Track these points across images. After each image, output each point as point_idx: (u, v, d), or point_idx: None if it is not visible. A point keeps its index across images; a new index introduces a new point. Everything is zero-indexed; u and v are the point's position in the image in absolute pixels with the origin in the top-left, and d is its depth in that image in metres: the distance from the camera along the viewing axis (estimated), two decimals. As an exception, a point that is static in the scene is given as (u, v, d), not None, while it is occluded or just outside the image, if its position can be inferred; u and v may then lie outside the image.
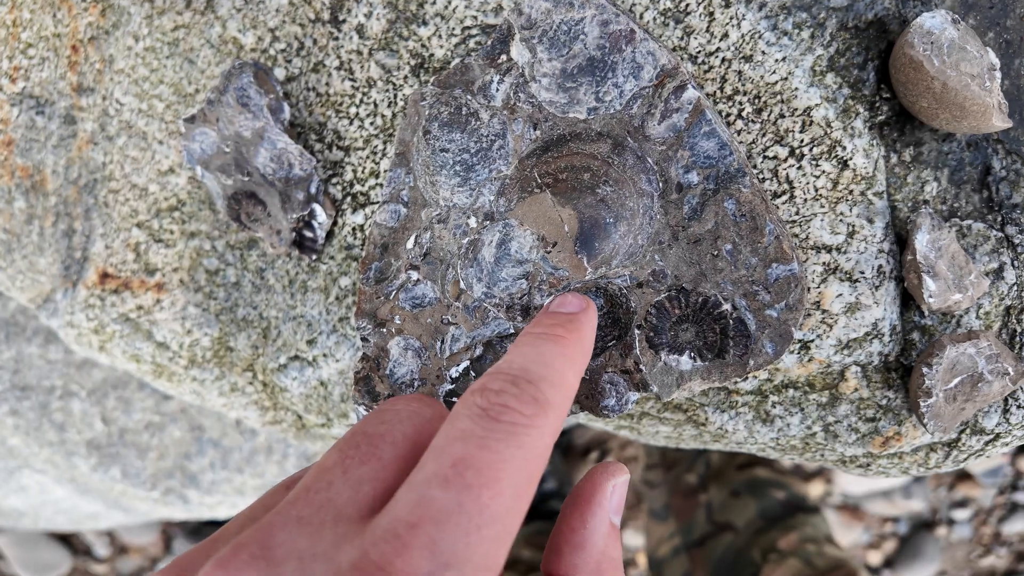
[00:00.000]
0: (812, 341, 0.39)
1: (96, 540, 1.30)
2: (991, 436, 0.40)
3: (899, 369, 0.39)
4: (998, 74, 0.34)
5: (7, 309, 0.75)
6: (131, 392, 0.76)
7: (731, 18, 0.37)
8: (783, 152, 0.37)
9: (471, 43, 0.39)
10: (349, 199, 0.42)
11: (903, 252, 0.38)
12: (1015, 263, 0.38)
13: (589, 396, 0.36)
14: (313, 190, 0.41)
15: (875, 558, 1.18)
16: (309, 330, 0.44)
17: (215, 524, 1.23)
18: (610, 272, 0.35)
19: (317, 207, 0.41)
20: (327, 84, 0.42)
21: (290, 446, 0.79)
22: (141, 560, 1.30)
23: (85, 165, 0.47)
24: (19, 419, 0.77)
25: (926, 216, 0.36)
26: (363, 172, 0.42)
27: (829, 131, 0.37)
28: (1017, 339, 0.39)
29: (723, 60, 0.37)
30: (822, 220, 0.38)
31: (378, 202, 0.41)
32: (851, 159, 0.37)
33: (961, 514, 1.16)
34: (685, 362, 0.35)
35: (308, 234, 0.42)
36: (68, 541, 1.31)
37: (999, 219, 0.38)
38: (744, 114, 0.37)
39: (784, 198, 0.38)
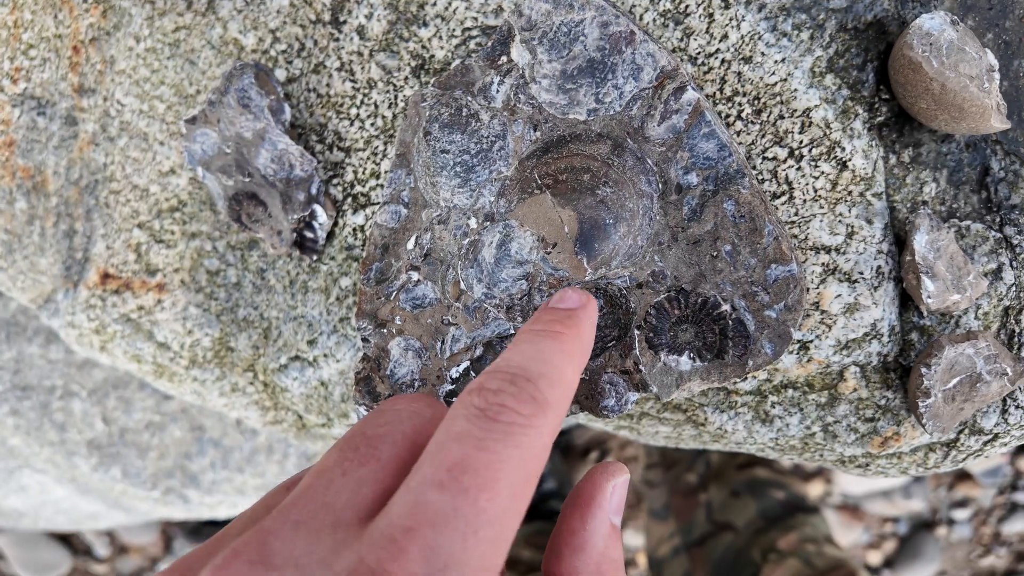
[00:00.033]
0: (811, 341, 0.39)
1: (96, 540, 1.30)
2: (990, 436, 0.40)
3: (898, 369, 0.40)
4: (997, 75, 0.34)
5: (8, 309, 0.75)
6: (132, 392, 0.76)
7: (731, 19, 0.37)
8: (782, 153, 0.38)
9: (471, 44, 0.39)
10: (350, 200, 0.42)
11: (902, 253, 0.38)
12: (1013, 264, 0.38)
13: (589, 396, 0.36)
14: (314, 191, 0.41)
15: (875, 558, 1.18)
16: (310, 330, 0.44)
17: (215, 524, 1.23)
18: (610, 273, 0.35)
19: (318, 208, 0.41)
20: (328, 85, 0.42)
21: (291, 446, 0.79)
22: (141, 560, 1.30)
23: (86, 166, 0.47)
24: (20, 419, 0.77)
25: (925, 217, 0.36)
26: (364, 173, 0.42)
27: (828, 132, 0.37)
28: (1015, 339, 0.39)
29: (723, 61, 0.37)
30: (821, 221, 0.38)
31: (379, 203, 0.41)
32: (850, 160, 0.37)
33: (961, 514, 1.16)
34: (684, 362, 0.35)
35: (309, 235, 0.42)
36: (68, 541, 1.31)
37: (998, 220, 0.39)
38: (743, 115, 0.38)
39: (783, 199, 0.38)
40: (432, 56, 0.40)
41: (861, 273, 0.38)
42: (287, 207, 0.41)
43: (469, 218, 0.36)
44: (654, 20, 0.38)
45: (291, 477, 0.26)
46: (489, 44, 0.35)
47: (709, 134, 0.34)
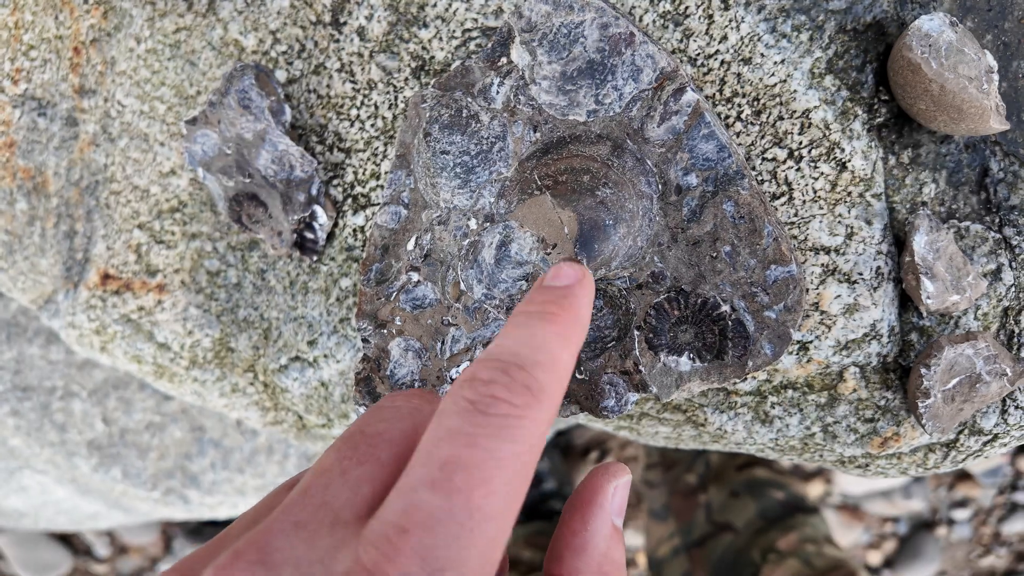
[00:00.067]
0: (811, 342, 0.39)
1: (96, 540, 1.30)
2: (989, 437, 0.40)
3: (897, 370, 0.40)
4: (996, 76, 0.35)
5: (8, 310, 0.75)
6: (132, 392, 0.76)
7: (730, 21, 0.37)
8: (782, 154, 0.38)
9: (471, 46, 0.39)
10: (350, 201, 0.42)
11: (901, 253, 0.38)
12: (1013, 264, 0.39)
13: (589, 397, 0.36)
14: (314, 192, 0.41)
15: (875, 558, 1.18)
16: (310, 331, 0.44)
17: (215, 524, 1.23)
18: (610, 274, 0.35)
19: (318, 208, 0.41)
20: (328, 86, 0.42)
21: (291, 446, 0.79)
22: (141, 560, 1.30)
23: (87, 167, 0.47)
24: (20, 420, 0.77)
25: (924, 218, 0.37)
26: (364, 174, 0.42)
27: (828, 133, 0.37)
28: (1015, 340, 0.39)
29: (722, 62, 0.37)
30: (821, 222, 0.38)
31: (379, 204, 0.41)
32: (849, 161, 0.37)
33: (961, 514, 1.16)
34: (684, 363, 0.35)
35: (309, 235, 0.42)
36: (68, 541, 1.31)
37: (997, 220, 0.39)
38: (743, 116, 0.38)
39: (783, 200, 0.38)
40: (432, 57, 0.40)
41: (860, 274, 0.38)
42: (287, 208, 0.41)
43: (469, 219, 0.36)
44: (654, 21, 0.38)
45: (292, 477, 0.26)
46: (489, 45, 0.35)
47: (708, 135, 0.34)
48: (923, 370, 0.37)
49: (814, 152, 0.37)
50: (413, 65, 0.40)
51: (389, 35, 0.40)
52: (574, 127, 0.35)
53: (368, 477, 0.22)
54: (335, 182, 0.42)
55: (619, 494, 0.26)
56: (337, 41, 0.41)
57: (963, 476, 1.16)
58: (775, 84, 0.37)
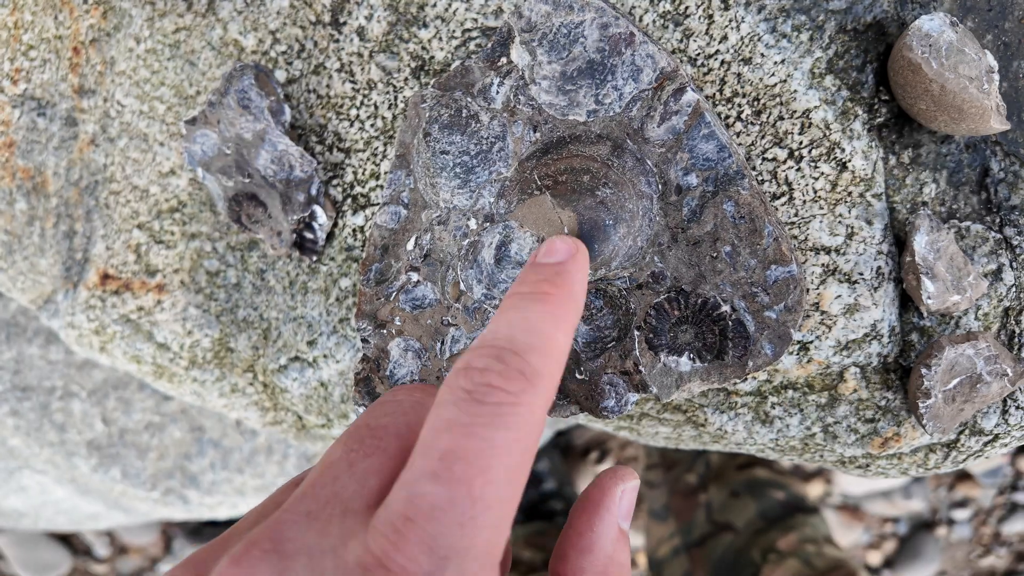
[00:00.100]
0: (811, 342, 0.39)
1: (96, 540, 1.30)
2: (990, 437, 0.40)
3: (898, 370, 0.40)
4: (996, 76, 0.34)
5: (8, 310, 0.75)
6: (131, 393, 0.76)
7: (730, 20, 0.37)
8: (782, 154, 0.38)
9: (471, 46, 0.39)
10: (349, 201, 0.42)
11: (902, 254, 0.38)
12: (1013, 264, 0.39)
13: (589, 397, 0.36)
14: (314, 192, 0.41)
15: (875, 558, 1.18)
16: (309, 331, 0.44)
17: (215, 524, 1.23)
18: (610, 274, 0.35)
19: (318, 209, 0.41)
20: (328, 86, 0.42)
21: (290, 447, 0.79)
22: (141, 560, 1.30)
23: (86, 167, 0.47)
24: (20, 420, 0.77)
25: (925, 218, 0.36)
26: (363, 174, 0.42)
27: (828, 133, 0.37)
28: (1016, 340, 0.39)
29: (722, 62, 0.37)
30: (821, 222, 0.38)
31: (378, 204, 0.41)
32: (850, 161, 0.37)
33: (961, 514, 1.16)
34: (684, 363, 0.35)
35: (308, 235, 0.42)
36: (68, 541, 1.31)
37: (997, 221, 0.39)
38: (743, 116, 0.38)
39: (783, 200, 0.38)
40: (432, 57, 0.40)
41: (861, 274, 0.38)
42: (287, 208, 0.41)
43: (469, 219, 0.36)
44: (654, 21, 0.38)
45: (296, 476, 0.26)
46: (489, 45, 0.35)
47: (709, 135, 0.34)
48: (924, 370, 0.37)
49: (814, 152, 0.37)
50: (413, 65, 0.40)
51: (389, 35, 0.40)
52: (574, 127, 0.34)
53: (375, 469, 0.22)
54: (335, 182, 0.42)
55: (627, 498, 0.26)
56: (337, 41, 0.41)
57: (963, 476, 1.16)
58: (775, 84, 0.37)
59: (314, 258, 0.43)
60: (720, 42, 0.37)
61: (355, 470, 0.22)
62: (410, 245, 0.37)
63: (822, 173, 0.37)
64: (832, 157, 0.37)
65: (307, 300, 0.44)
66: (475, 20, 0.39)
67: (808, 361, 0.39)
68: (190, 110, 0.44)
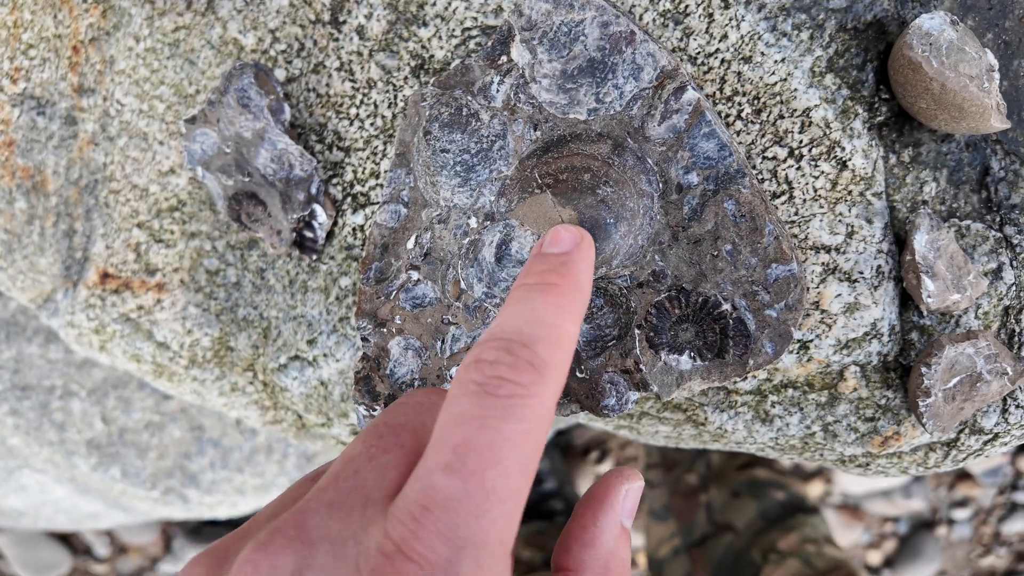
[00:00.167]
0: (811, 341, 0.39)
1: (96, 540, 1.30)
2: (990, 436, 0.40)
3: (898, 369, 0.40)
4: (996, 75, 0.34)
5: (8, 309, 0.75)
6: (131, 392, 0.76)
7: (730, 19, 0.37)
8: (782, 153, 0.38)
9: (471, 44, 0.39)
10: (349, 199, 0.42)
11: (902, 252, 0.38)
12: (1014, 263, 0.38)
13: (589, 396, 0.36)
14: (313, 190, 0.41)
15: (875, 558, 1.18)
16: (309, 330, 0.44)
17: (215, 524, 1.23)
18: (610, 272, 0.35)
19: (317, 207, 0.41)
20: (327, 85, 0.42)
21: (290, 446, 0.79)
22: (141, 560, 1.30)
23: (86, 166, 0.47)
24: (19, 419, 0.77)
25: (925, 216, 0.36)
26: (363, 173, 0.42)
27: (828, 132, 0.37)
28: (1016, 339, 0.39)
29: (722, 61, 0.37)
30: (821, 220, 0.38)
31: (378, 202, 0.41)
32: (850, 160, 0.37)
33: (961, 514, 1.16)
34: (685, 362, 0.35)
35: (308, 234, 0.42)
36: (68, 541, 1.31)
37: (998, 219, 0.39)
38: (743, 115, 0.38)
39: (783, 198, 0.38)
40: (432, 56, 0.40)
41: (861, 273, 0.38)
42: (287, 207, 0.41)
43: (469, 217, 0.36)
44: (654, 20, 0.38)
45: (314, 470, 0.27)
46: (489, 44, 0.35)
47: (709, 134, 0.34)
48: (924, 369, 0.37)
49: (815, 151, 0.37)
50: (412, 64, 0.40)
51: (388, 34, 0.40)
52: (575, 125, 0.34)
53: (394, 463, 0.23)
54: (334, 181, 0.42)
55: (631, 497, 0.26)
56: (336, 40, 0.41)
57: (963, 476, 1.16)
58: (775, 83, 0.37)
59: (314, 257, 0.43)
60: (720, 41, 0.37)
61: (375, 464, 0.23)
62: (410, 244, 0.37)
63: (822, 172, 0.37)
64: (832, 156, 0.37)
65: (307, 299, 0.44)
66: (475, 19, 0.39)
67: (808, 360, 0.39)
68: (190, 109, 0.44)
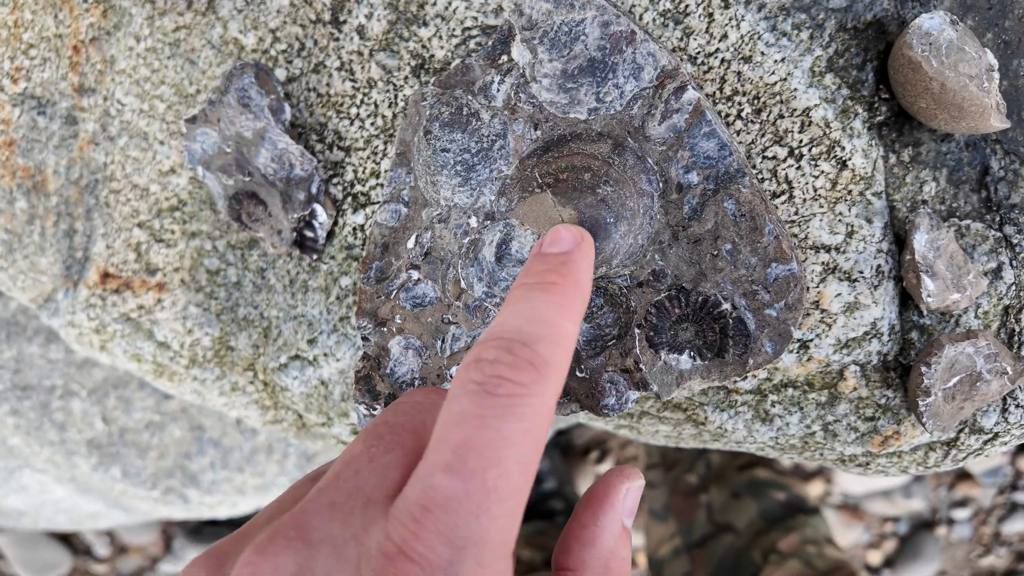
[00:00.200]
0: (811, 340, 0.39)
1: (96, 540, 1.30)
2: (990, 435, 0.40)
3: (898, 368, 0.40)
4: (996, 75, 0.34)
5: (8, 309, 0.75)
6: (131, 391, 0.76)
7: (730, 19, 0.37)
8: (782, 152, 0.38)
9: (472, 44, 0.39)
10: (350, 199, 0.42)
11: (902, 252, 0.38)
12: (1013, 263, 0.39)
13: (589, 395, 0.36)
14: (314, 190, 0.41)
15: (875, 558, 1.18)
16: (310, 329, 0.44)
17: (215, 524, 1.23)
18: (610, 272, 0.35)
19: (318, 207, 0.41)
20: (328, 85, 0.42)
21: (290, 445, 0.79)
22: (141, 560, 1.30)
23: (86, 165, 0.47)
24: (20, 419, 0.77)
25: (925, 216, 0.36)
26: (364, 172, 0.42)
27: (828, 131, 0.37)
28: (1015, 338, 0.39)
29: (722, 61, 0.37)
30: (821, 220, 0.38)
31: (379, 202, 0.41)
32: (850, 159, 0.37)
33: (961, 514, 1.16)
34: (685, 361, 0.35)
35: (309, 234, 0.42)
36: (68, 541, 1.31)
37: (997, 219, 0.39)
38: (743, 114, 0.38)
39: (783, 198, 0.38)
40: (432, 56, 0.40)
41: (861, 272, 0.38)
42: (287, 206, 0.41)
43: (470, 217, 0.36)
44: (654, 20, 0.38)
45: (314, 470, 0.27)
46: (489, 43, 0.35)
47: (709, 133, 0.34)
48: (924, 368, 0.37)
49: (814, 150, 0.37)
50: (413, 63, 0.40)
51: (389, 33, 0.40)
52: (575, 125, 0.34)
53: (395, 464, 0.23)
54: (335, 180, 0.42)
55: (631, 496, 0.26)
56: (337, 39, 0.41)
57: (963, 476, 1.16)
58: (775, 82, 0.37)
59: (314, 256, 0.43)
60: (720, 40, 0.37)
61: (375, 464, 0.23)
62: (410, 243, 0.37)
63: (822, 171, 0.37)
64: (832, 155, 0.37)
65: (307, 298, 0.44)
66: (475, 18, 0.39)
67: (808, 359, 0.39)
68: (190, 108, 0.44)
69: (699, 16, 0.37)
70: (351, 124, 0.42)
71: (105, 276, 0.47)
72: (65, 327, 0.49)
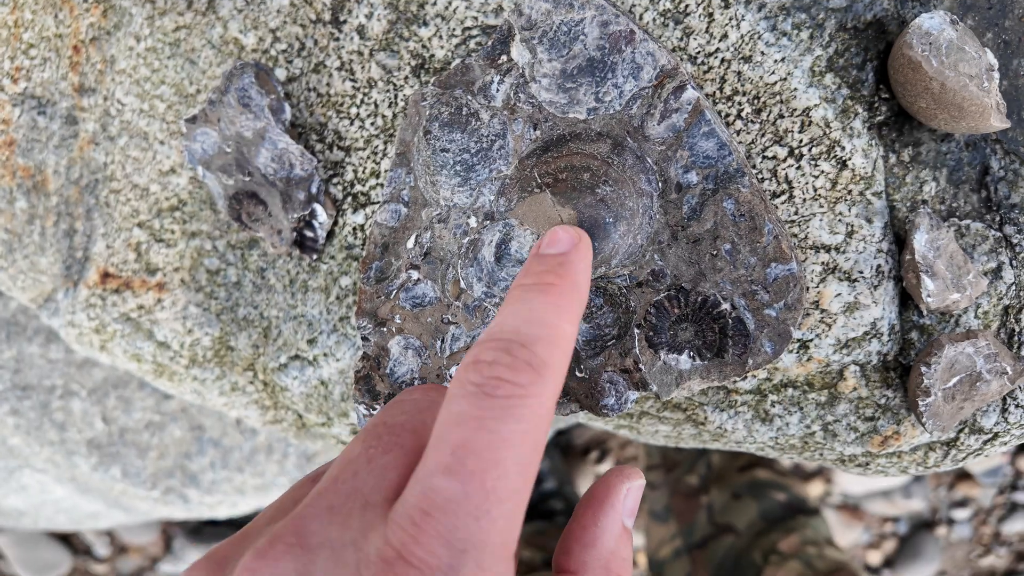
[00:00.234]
0: (811, 340, 0.39)
1: (96, 540, 1.30)
2: (989, 435, 0.40)
3: (898, 368, 0.40)
4: (996, 74, 0.34)
5: (8, 309, 0.75)
6: (131, 391, 0.76)
7: (730, 19, 0.37)
8: (782, 152, 0.38)
9: (471, 44, 0.39)
10: (350, 199, 0.42)
11: (902, 252, 0.38)
12: (1013, 263, 0.39)
13: (588, 395, 0.36)
14: (314, 190, 0.41)
15: (875, 558, 1.18)
16: (310, 329, 0.44)
17: (215, 524, 1.23)
18: (610, 272, 0.35)
19: (318, 207, 0.41)
20: (328, 84, 0.42)
21: (290, 445, 0.79)
22: (141, 560, 1.30)
23: (86, 165, 0.47)
24: (20, 418, 0.77)
25: (925, 216, 0.36)
26: (364, 172, 0.42)
27: (828, 131, 0.37)
28: (1015, 338, 0.39)
29: (722, 60, 0.37)
30: (821, 220, 0.38)
31: (379, 202, 0.41)
32: (850, 159, 0.37)
33: (961, 514, 1.16)
34: (684, 361, 0.35)
35: (309, 234, 0.42)
36: (68, 541, 1.31)
37: (997, 219, 0.39)
38: (743, 114, 0.38)
39: (783, 198, 0.38)
40: (432, 55, 0.40)
41: (861, 272, 0.38)
42: (287, 206, 0.41)
43: (469, 217, 0.36)
44: (654, 19, 0.38)
45: (314, 471, 0.27)
46: (489, 43, 0.35)
47: (709, 133, 0.34)
48: (923, 368, 0.37)
49: (814, 150, 0.37)
50: (413, 63, 0.40)
51: (389, 33, 0.40)
52: (574, 125, 0.34)
53: (393, 464, 0.23)
54: (335, 180, 0.42)
55: (632, 496, 0.26)
56: (337, 39, 0.41)
57: (963, 476, 1.16)
58: (775, 82, 0.37)
59: (314, 256, 0.43)
60: (720, 40, 0.37)
61: (374, 465, 0.22)
62: (410, 243, 0.37)
63: (822, 171, 0.37)
64: (832, 155, 0.37)
65: (307, 298, 0.44)
66: (475, 18, 0.39)
67: (808, 359, 0.39)
68: (190, 108, 0.44)
69: (699, 16, 0.37)
70: (351, 124, 0.42)
71: (105, 276, 0.47)
72: (65, 327, 0.49)
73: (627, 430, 0.46)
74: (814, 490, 1.15)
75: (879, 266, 0.38)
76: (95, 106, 0.46)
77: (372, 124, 0.41)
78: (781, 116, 0.37)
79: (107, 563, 1.31)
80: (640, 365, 0.35)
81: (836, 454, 0.42)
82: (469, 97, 0.35)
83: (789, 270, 0.34)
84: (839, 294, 0.38)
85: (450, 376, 0.36)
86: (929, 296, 0.36)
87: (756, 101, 0.37)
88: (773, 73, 0.37)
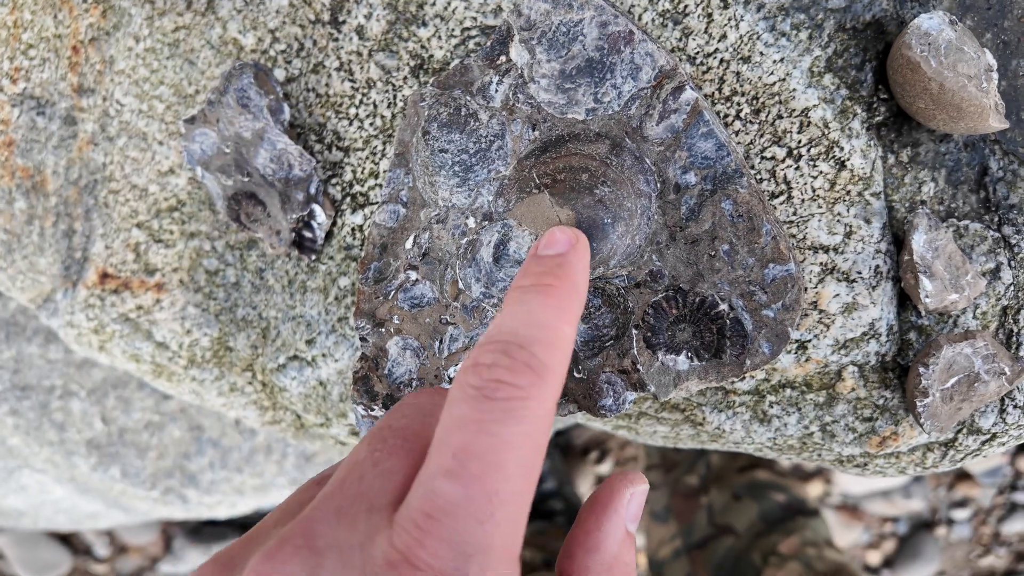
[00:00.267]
0: (809, 341, 0.39)
1: (96, 540, 1.30)
2: (988, 436, 0.40)
3: (896, 369, 0.40)
4: (995, 75, 0.34)
5: (7, 309, 0.75)
6: (131, 392, 0.76)
7: (729, 19, 0.37)
8: (781, 153, 0.38)
9: (470, 44, 0.39)
10: (348, 199, 0.42)
11: (900, 252, 0.38)
12: (1012, 263, 0.38)
13: (587, 396, 0.36)
14: (312, 190, 0.41)
15: (875, 558, 1.18)
16: (308, 330, 0.44)
17: (215, 524, 1.23)
18: (608, 272, 0.35)
19: (316, 207, 0.41)
20: (327, 85, 0.42)
21: (289, 446, 0.79)
22: (141, 560, 1.30)
23: (85, 166, 0.47)
24: (19, 419, 0.77)
25: (923, 216, 0.36)
26: (362, 173, 0.42)
27: (827, 132, 0.37)
28: (1014, 339, 0.39)
29: (721, 61, 0.37)
30: (819, 220, 0.38)
31: (377, 202, 0.41)
32: (849, 160, 0.37)
33: (960, 514, 1.16)
34: (682, 362, 0.35)
35: (307, 234, 0.42)
36: (68, 541, 1.31)
37: (996, 219, 0.39)
38: (742, 115, 0.38)
39: (782, 198, 0.38)
40: (431, 56, 0.40)
41: (859, 272, 0.38)
42: (286, 207, 0.41)
43: (467, 217, 0.36)
44: (653, 20, 0.38)
45: (320, 473, 0.27)
46: (488, 44, 0.35)
47: (707, 133, 0.34)
48: (922, 369, 0.37)
49: (813, 151, 0.37)
50: (412, 64, 0.40)
51: (388, 34, 0.40)
52: (573, 125, 0.34)
53: (398, 468, 0.23)
54: (334, 181, 0.42)
55: (635, 501, 0.26)
56: (336, 40, 0.41)
57: (963, 476, 1.16)
58: (774, 83, 0.37)
59: (313, 257, 0.43)
60: (719, 40, 0.37)
61: (379, 468, 0.23)
62: (409, 244, 0.37)
63: (821, 172, 0.37)
64: (831, 156, 0.37)
65: (306, 299, 0.44)
66: (474, 19, 0.39)
67: (806, 360, 0.39)
68: (189, 109, 0.44)
69: (698, 16, 0.37)
70: (350, 124, 0.42)
71: (104, 276, 0.47)
72: (64, 327, 0.49)
73: (626, 430, 0.46)
74: (814, 490, 1.15)
75: (877, 267, 0.38)
76: (94, 107, 0.46)
77: (371, 124, 0.41)
78: (780, 116, 0.37)
79: (107, 563, 1.31)
80: (638, 366, 0.35)
81: (834, 455, 0.42)
82: (468, 98, 0.35)
83: (787, 271, 0.34)
84: (837, 295, 0.38)
85: (449, 377, 0.36)
86: (927, 297, 0.36)
87: (755, 102, 0.37)
88: (772, 73, 0.37)
